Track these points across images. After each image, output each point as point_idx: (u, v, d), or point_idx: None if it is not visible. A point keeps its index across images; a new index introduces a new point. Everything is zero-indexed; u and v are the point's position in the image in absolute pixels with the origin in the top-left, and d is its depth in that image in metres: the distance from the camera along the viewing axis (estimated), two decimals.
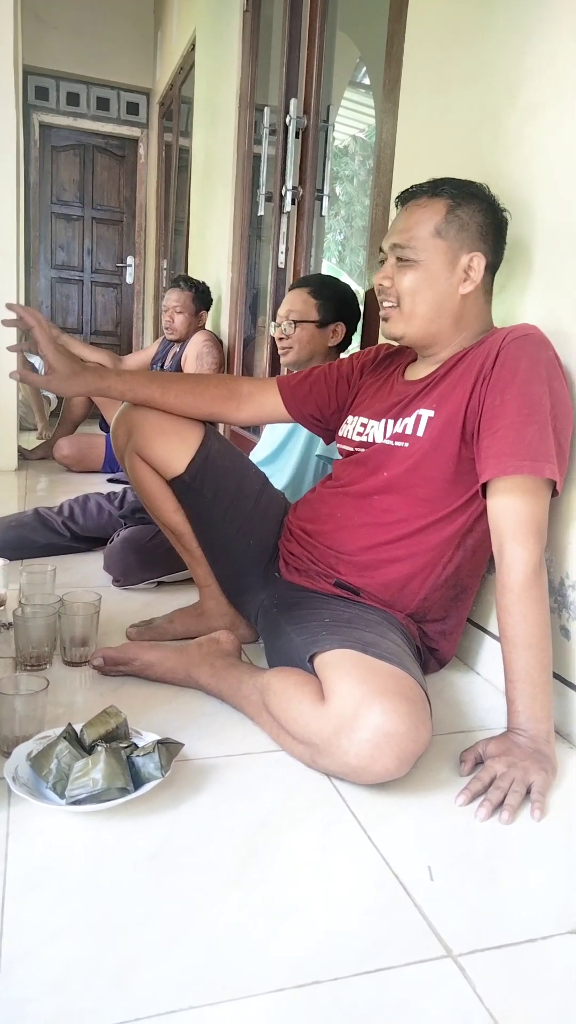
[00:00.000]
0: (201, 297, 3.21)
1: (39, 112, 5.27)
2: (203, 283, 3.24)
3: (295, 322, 1.93)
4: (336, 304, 1.93)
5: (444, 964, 0.74)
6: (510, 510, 1.10)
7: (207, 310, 3.26)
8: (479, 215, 1.19)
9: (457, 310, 1.22)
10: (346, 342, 1.99)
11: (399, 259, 1.22)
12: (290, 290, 2.02)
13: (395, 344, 1.40)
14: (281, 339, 1.97)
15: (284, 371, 2.28)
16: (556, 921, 0.81)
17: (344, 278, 2.21)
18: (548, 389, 1.11)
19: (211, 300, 3.28)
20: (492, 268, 1.23)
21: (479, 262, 1.19)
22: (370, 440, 1.30)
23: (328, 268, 7.38)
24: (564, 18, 1.22)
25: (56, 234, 5.52)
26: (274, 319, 2.05)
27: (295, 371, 2.00)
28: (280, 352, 2.00)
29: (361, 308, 2.01)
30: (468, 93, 1.48)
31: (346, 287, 1.99)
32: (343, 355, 1.99)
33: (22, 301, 3.20)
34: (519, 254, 1.32)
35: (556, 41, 1.24)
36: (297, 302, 1.95)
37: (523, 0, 1.32)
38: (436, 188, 1.21)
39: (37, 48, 4.92)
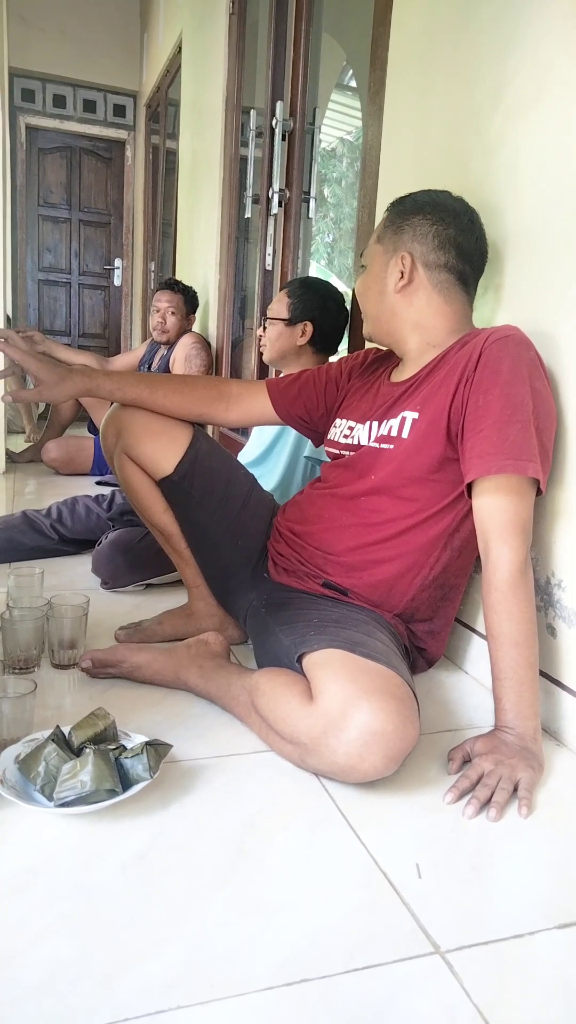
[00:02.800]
0: (191, 301, 3.23)
1: (25, 114, 5.25)
2: (191, 287, 3.26)
3: (270, 319, 1.97)
4: (306, 303, 1.94)
5: (432, 960, 0.75)
6: (495, 509, 1.11)
7: (194, 314, 3.28)
8: (417, 219, 1.24)
9: (397, 307, 1.27)
10: (324, 342, 1.97)
11: (361, 267, 1.34)
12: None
13: (382, 348, 1.42)
14: (260, 336, 2.02)
15: (272, 372, 2.30)
16: (542, 916, 0.81)
17: (332, 280, 2.21)
18: (530, 389, 1.12)
19: (198, 304, 3.29)
20: (440, 268, 1.24)
21: (407, 261, 1.24)
22: (356, 443, 1.30)
23: (316, 270, 7.39)
24: (545, 18, 1.23)
25: (43, 236, 5.50)
26: (262, 322, 2.08)
27: (277, 370, 2.05)
28: (260, 350, 2.05)
29: (349, 310, 2.02)
30: (452, 95, 1.49)
31: (326, 289, 1.98)
32: (332, 358, 2.01)
33: (8, 304, 3.19)
34: (502, 255, 1.33)
35: (537, 41, 1.25)
36: (275, 302, 2.00)
37: (505, 1, 1.33)
38: (394, 202, 1.30)
39: (23, 50, 4.91)
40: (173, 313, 3.17)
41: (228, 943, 0.75)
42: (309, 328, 1.94)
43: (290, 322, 1.94)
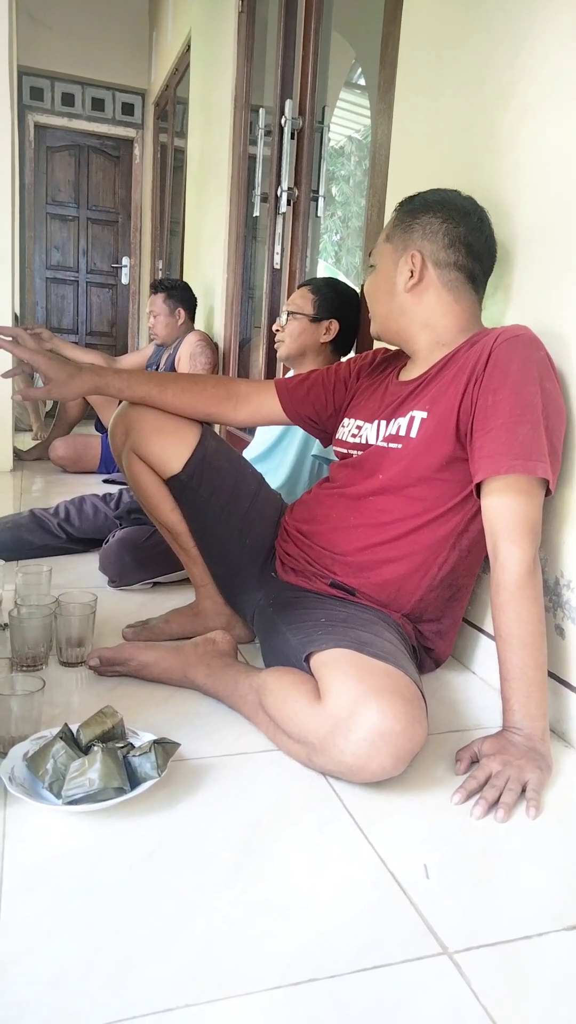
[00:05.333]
0: (176, 296, 3.21)
1: (34, 113, 5.27)
2: (177, 281, 3.25)
3: (290, 313, 1.96)
4: (332, 302, 1.94)
5: (440, 961, 0.74)
6: (504, 509, 1.11)
7: (185, 308, 3.25)
8: (427, 218, 1.24)
9: (406, 306, 1.27)
10: (344, 343, 1.99)
11: (370, 266, 1.33)
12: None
13: (391, 348, 1.42)
14: (277, 331, 2.01)
15: (280, 368, 2.30)
16: (551, 918, 0.81)
17: (340, 278, 2.21)
18: (540, 389, 1.11)
19: (190, 298, 3.27)
20: (450, 267, 1.24)
21: (417, 260, 1.24)
22: (364, 442, 1.30)
23: (324, 269, 7.38)
24: (556, 19, 1.23)
25: (51, 235, 5.52)
26: (271, 321, 2.08)
27: (288, 366, 2.04)
28: (276, 346, 2.04)
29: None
30: (462, 94, 1.49)
31: (348, 289, 2.00)
32: (344, 359, 2.01)
33: (17, 303, 3.20)
34: (511, 254, 1.33)
35: (548, 41, 1.24)
36: (296, 297, 1.99)
37: (516, 1, 1.32)
38: (403, 201, 1.30)
39: (32, 48, 4.92)
40: (156, 315, 3.20)
41: (236, 942, 0.75)
42: (335, 326, 1.94)
43: (314, 318, 1.94)
